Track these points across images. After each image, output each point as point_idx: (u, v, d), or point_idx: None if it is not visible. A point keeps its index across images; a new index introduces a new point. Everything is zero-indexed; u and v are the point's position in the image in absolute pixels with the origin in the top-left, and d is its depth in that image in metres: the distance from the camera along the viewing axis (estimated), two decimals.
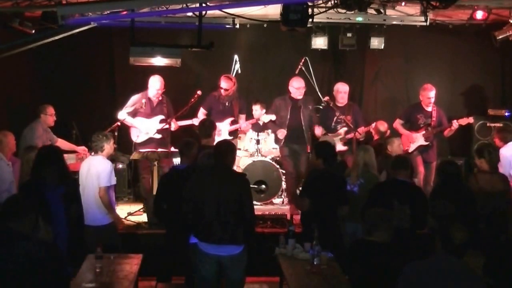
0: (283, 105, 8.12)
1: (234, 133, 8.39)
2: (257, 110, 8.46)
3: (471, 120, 8.21)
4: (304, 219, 5.96)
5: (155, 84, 7.97)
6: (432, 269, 3.72)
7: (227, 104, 8.32)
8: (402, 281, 3.80)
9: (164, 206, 5.82)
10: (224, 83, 8.20)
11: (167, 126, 7.95)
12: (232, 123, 8.33)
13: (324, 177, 5.82)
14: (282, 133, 8.04)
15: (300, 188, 6.50)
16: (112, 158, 6.68)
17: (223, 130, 8.17)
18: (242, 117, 8.45)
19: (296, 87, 8.05)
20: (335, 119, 8.15)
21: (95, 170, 6.02)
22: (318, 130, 8.08)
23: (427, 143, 8.13)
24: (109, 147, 6.19)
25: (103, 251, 4.93)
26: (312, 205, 5.75)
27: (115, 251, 5.51)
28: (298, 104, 8.07)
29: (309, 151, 8.16)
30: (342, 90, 8.23)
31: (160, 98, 8.12)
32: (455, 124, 7.99)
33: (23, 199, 3.96)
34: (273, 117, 8.38)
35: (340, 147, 8.04)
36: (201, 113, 8.27)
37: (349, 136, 8.06)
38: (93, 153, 6.31)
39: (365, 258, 4.49)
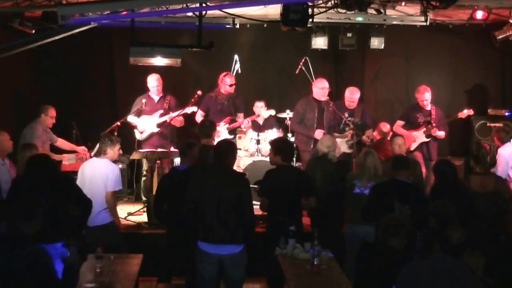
0: (309, 107, 7.99)
1: (233, 132, 8.38)
2: (262, 106, 8.45)
3: (471, 112, 8.21)
4: (268, 218, 5.89)
5: (150, 82, 8.24)
6: (430, 269, 3.72)
7: (225, 103, 8.31)
8: (401, 281, 3.80)
9: (164, 207, 5.81)
10: (229, 80, 8.20)
11: (165, 119, 8.03)
12: (230, 122, 8.32)
13: (281, 172, 5.78)
14: (319, 132, 7.80)
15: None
16: None
17: (221, 130, 8.15)
18: (241, 115, 8.43)
19: (321, 87, 7.96)
20: (343, 121, 8.11)
21: (101, 172, 6.00)
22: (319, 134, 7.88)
23: (428, 139, 8.14)
24: (112, 152, 6.14)
25: (105, 250, 4.92)
26: (273, 203, 5.69)
27: (117, 249, 5.51)
28: (322, 106, 8.00)
29: None
30: (355, 98, 8.16)
31: (161, 95, 8.27)
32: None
33: (32, 201, 3.93)
34: (272, 112, 8.34)
35: (344, 149, 7.99)
36: (199, 115, 8.25)
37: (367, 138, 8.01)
38: (93, 154, 6.30)
39: (375, 261, 4.37)
